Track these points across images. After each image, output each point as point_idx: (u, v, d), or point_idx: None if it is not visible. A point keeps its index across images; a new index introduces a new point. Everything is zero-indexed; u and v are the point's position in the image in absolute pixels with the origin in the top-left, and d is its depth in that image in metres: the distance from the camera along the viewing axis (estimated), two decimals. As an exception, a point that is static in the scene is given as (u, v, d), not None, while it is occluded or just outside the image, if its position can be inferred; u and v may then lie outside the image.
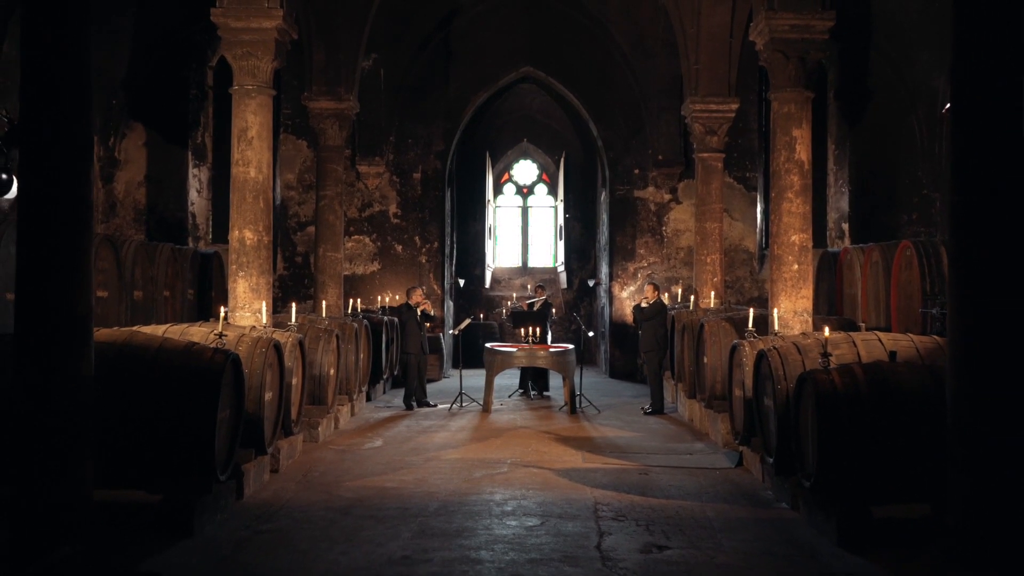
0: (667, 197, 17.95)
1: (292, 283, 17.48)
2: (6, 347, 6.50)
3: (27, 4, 5.23)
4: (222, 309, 8.67)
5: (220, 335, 7.54)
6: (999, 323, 5.34)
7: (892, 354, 7.15)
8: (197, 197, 16.97)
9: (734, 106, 14.38)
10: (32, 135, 5.28)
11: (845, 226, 17.36)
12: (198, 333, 8.08)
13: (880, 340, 7.85)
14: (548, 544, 6.28)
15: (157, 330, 8.06)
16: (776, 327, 9.34)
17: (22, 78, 5.26)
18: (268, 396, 8.14)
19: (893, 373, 6.60)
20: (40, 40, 5.19)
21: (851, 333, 8.22)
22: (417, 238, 18.02)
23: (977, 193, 5.47)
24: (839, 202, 17.62)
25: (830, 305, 14.68)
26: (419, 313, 13.36)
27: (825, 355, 7.16)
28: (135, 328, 7.59)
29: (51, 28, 5.18)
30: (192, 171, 16.79)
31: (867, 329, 11.62)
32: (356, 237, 17.82)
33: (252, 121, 9.65)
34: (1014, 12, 5.41)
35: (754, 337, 9.17)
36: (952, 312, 5.59)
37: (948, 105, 5.71)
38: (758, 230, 17.63)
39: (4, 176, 5.59)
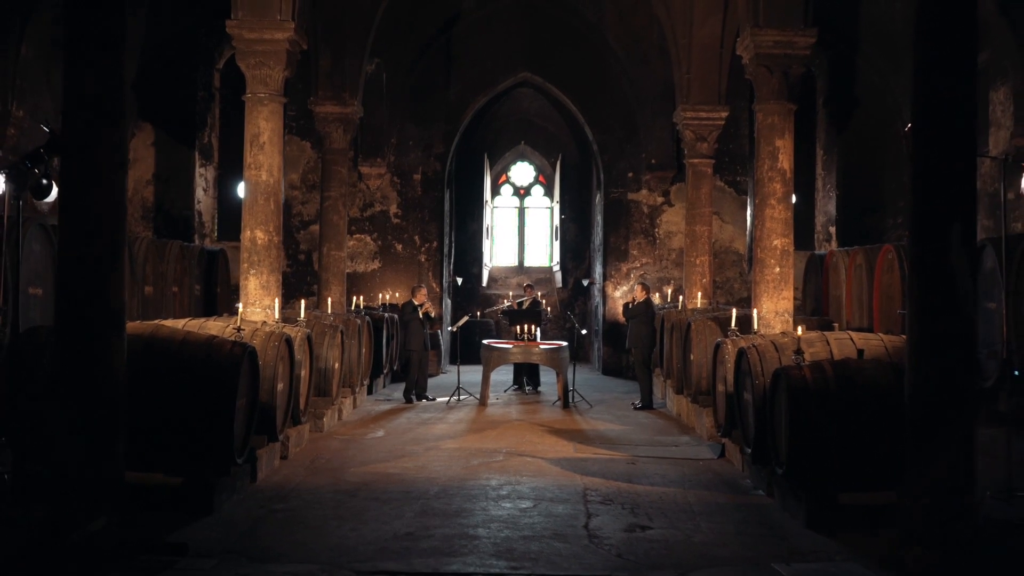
0: (660, 200, 18.44)
1: (295, 280, 17.95)
2: (39, 338, 7.06)
3: (70, 34, 5.78)
4: (239, 305, 9.19)
5: (238, 329, 8.06)
6: (951, 324, 5.89)
7: (860, 352, 7.69)
8: (203, 196, 17.49)
9: (724, 114, 14.85)
10: (74, 146, 5.82)
11: (832, 229, 17.88)
12: (215, 327, 8.61)
13: (851, 339, 8.39)
14: (540, 524, 6.82)
15: (177, 324, 8.58)
16: (757, 326, 9.87)
17: (64, 98, 5.82)
18: (280, 387, 8.67)
19: (860, 369, 7.14)
20: (83, 64, 5.74)
21: (825, 332, 8.76)
22: (417, 237, 18.52)
23: (934, 206, 6.00)
24: (827, 206, 18.15)
25: (816, 305, 15.21)
26: (422, 313, 13.93)
27: (799, 352, 7.68)
28: (158, 322, 8.11)
29: (93, 53, 5.72)
30: (199, 170, 17.33)
31: (848, 329, 12.18)
32: (358, 236, 18.30)
33: (264, 127, 10.13)
34: (969, 43, 5.95)
35: (736, 336, 9.70)
36: (910, 312, 6.11)
37: (910, 124, 6.23)
38: (748, 233, 18.09)
39: (45, 182, 6.14)
